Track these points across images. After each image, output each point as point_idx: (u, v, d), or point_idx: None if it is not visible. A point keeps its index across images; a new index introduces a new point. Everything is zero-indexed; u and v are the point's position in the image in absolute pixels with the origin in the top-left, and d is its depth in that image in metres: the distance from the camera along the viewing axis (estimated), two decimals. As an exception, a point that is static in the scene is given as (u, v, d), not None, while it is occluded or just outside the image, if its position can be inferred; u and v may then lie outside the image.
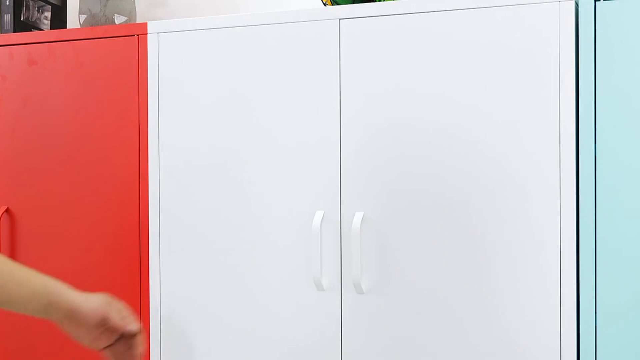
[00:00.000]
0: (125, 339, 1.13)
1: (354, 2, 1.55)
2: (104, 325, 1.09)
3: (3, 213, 1.73)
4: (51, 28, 2.03)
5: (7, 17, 1.92)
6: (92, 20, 1.89)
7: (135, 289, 1.63)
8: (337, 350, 1.45)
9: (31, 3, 1.97)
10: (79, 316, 1.07)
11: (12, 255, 1.72)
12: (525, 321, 1.33)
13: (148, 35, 1.60)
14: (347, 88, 1.44)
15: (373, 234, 1.42)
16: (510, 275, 1.34)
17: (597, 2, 1.29)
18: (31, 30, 1.96)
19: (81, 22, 1.92)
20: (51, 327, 1.72)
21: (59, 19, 2.07)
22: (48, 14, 2.03)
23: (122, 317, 1.10)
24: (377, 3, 1.45)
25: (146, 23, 1.60)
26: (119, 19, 1.89)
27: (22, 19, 1.95)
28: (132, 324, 1.10)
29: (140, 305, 1.63)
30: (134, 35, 1.64)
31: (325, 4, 1.59)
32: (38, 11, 2.00)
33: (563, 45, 1.31)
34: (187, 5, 2.12)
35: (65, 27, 2.09)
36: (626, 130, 1.28)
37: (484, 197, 1.36)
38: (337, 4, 1.55)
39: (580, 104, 1.30)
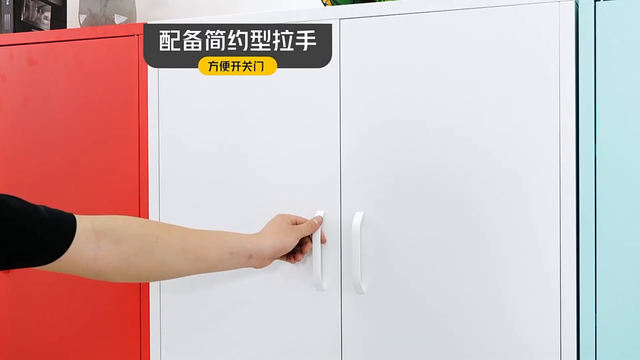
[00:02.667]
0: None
1: (354, 2, 1.55)
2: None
3: (3, 213, 1.73)
4: (51, 28, 2.03)
5: (7, 17, 1.92)
6: (92, 20, 1.90)
7: (135, 287, 1.63)
8: (337, 350, 1.45)
9: (31, 3, 1.97)
10: (259, 256, 1.31)
11: (12, 255, 1.72)
12: (526, 320, 1.33)
13: (148, 35, 1.60)
14: (347, 88, 1.44)
15: (373, 234, 1.42)
16: (510, 274, 1.34)
17: (597, 2, 1.29)
18: (31, 30, 1.96)
19: (81, 22, 1.92)
20: (51, 326, 1.72)
21: (59, 19, 2.07)
22: (48, 14, 2.03)
23: (298, 233, 1.37)
24: (377, 3, 1.45)
25: (146, 23, 1.60)
26: (119, 19, 1.89)
27: (22, 19, 1.95)
28: (308, 227, 1.40)
29: (140, 302, 1.63)
30: (134, 35, 1.64)
31: (325, 4, 1.59)
32: (38, 11, 2.00)
33: (563, 45, 1.31)
34: (187, 5, 2.12)
35: (65, 27, 2.09)
36: (626, 130, 1.28)
37: (484, 196, 1.36)
38: (337, 4, 1.55)
39: (580, 104, 1.30)
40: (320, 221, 1.42)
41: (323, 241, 1.44)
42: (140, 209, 1.62)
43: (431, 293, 1.39)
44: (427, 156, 1.39)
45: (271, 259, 1.35)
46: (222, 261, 1.27)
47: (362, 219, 1.42)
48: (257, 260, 1.31)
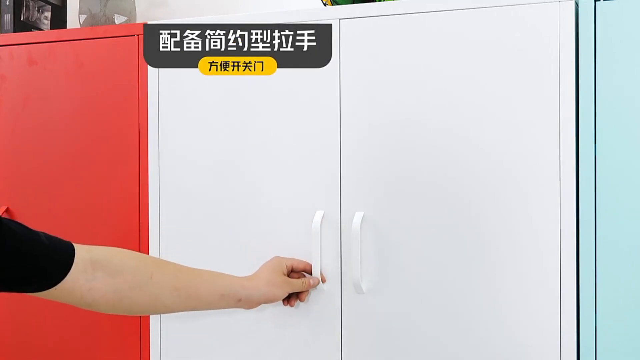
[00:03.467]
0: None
1: (354, 2, 1.55)
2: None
3: (3, 213, 1.73)
4: (51, 28, 2.03)
5: (7, 17, 1.92)
6: (92, 20, 1.90)
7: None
8: (337, 350, 1.45)
9: (31, 3, 1.97)
10: (247, 301, 1.33)
11: (12, 255, 1.72)
12: (526, 321, 1.33)
13: (148, 35, 1.59)
14: (347, 88, 1.44)
15: (373, 234, 1.42)
16: (510, 274, 1.34)
17: (597, 2, 1.29)
18: (31, 30, 1.96)
19: (81, 22, 1.92)
20: (51, 326, 1.72)
21: (59, 19, 2.07)
22: (48, 14, 2.03)
23: (290, 288, 1.39)
24: (377, 3, 1.45)
25: (146, 23, 1.60)
26: (119, 19, 1.89)
27: (22, 19, 1.95)
28: (302, 284, 1.41)
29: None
30: (134, 35, 1.64)
31: (325, 4, 1.59)
32: (38, 11, 2.00)
33: (563, 45, 1.31)
34: (187, 5, 2.12)
35: (65, 27, 2.09)
36: (626, 130, 1.28)
37: (484, 196, 1.36)
38: (337, 4, 1.55)
39: (580, 104, 1.30)
40: (316, 283, 1.43)
41: (323, 281, 1.45)
42: (140, 209, 1.62)
43: (431, 293, 1.39)
44: (427, 156, 1.39)
45: (260, 304, 1.36)
46: (213, 302, 1.28)
47: (362, 219, 1.42)
48: (245, 304, 1.33)
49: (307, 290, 1.44)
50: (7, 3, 1.92)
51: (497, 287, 1.35)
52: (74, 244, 1.11)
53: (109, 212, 1.66)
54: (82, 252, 1.10)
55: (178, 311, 1.27)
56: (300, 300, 1.43)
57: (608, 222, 1.28)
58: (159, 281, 1.19)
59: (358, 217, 1.41)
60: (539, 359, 1.32)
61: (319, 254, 1.43)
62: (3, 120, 1.75)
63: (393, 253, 1.41)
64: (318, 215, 1.44)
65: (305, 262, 1.44)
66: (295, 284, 1.40)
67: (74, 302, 1.12)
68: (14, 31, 1.92)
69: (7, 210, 1.74)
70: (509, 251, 1.34)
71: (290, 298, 1.43)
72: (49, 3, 2.03)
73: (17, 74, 1.74)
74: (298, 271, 1.44)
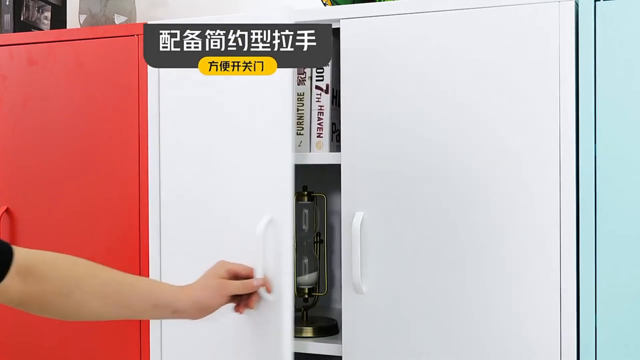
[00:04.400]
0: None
1: (354, 2, 1.55)
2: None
3: (3, 213, 1.74)
4: (51, 28, 2.03)
5: (7, 17, 1.92)
6: (92, 20, 1.89)
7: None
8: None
9: (31, 3, 1.97)
10: (183, 313, 1.24)
11: (12, 255, 1.72)
12: (526, 318, 1.33)
13: (148, 35, 1.59)
14: (346, 87, 1.44)
15: (373, 234, 1.42)
16: (511, 273, 1.34)
17: (597, 2, 1.29)
18: (31, 30, 1.96)
19: (81, 22, 1.92)
20: (51, 328, 1.72)
21: (59, 19, 2.07)
22: (48, 14, 2.03)
23: (226, 291, 1.25)
24: (377, 3, 1.45)
25: (146, 23, 1.60)
26: (119, 19, 1.89)
27: (22, 19, 1.95)
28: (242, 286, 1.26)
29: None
30: (134, 35, 1.64)
31: (325, 4, 1.59)
32: (38, 11, 2.00)
33: (563, 45, 1.31)
34: (187, 5, 2.12)
35: (65, 27, 2.09)
36: (626, 130, 1.28)
37: (485, 196, 1.36)
38: (337, 4, 1.55)
39: (580, 104, 1.30)
40: (261, 283, 1.27)
41: (268, 291, 1.28)
42: (140, 209, 1.62)
43: (431, 293, 1.39)
44: (428, 156, 1.39)
45: (201, 313, 1.25)
46: (146, 311, 1.23)
47: (362, 219, 1.42)
48: (184, 314, 1.24)
49: (257, 296, 1.28)
50: (7, 3, 1.92)
51: (497, 287, 1.35)
52: (13, 247, 1.11)
53: (109, 212, 1.66)
54: (20, 256, 1.11)
55: (110, 318, 1.23)
56: (249, 308, 1.27)
57: (608, 221, 1.28)
58: (85, 290, 1.17)
59: (358, 217, 1.42)
60: (539, 358, 1.32)
61: (262, 259, 1.31)
62: (3, 120, 1.75)
63: (393, 253, 1.41)
64: (264, 219, 1.36)
65: (251, 268, 1.29)
66: (232, 285, 1.25)
67: (6, 303, 1.13)
68: (14, 31, 1.92)
69: (7, 210, 1.74)
70: (509, 250, 1.34)
71: (240, 305, 1.28)
72: (49, 3, 2.03)
73: (17, 74, 1.74)
74: (242, 277, 1.28)
